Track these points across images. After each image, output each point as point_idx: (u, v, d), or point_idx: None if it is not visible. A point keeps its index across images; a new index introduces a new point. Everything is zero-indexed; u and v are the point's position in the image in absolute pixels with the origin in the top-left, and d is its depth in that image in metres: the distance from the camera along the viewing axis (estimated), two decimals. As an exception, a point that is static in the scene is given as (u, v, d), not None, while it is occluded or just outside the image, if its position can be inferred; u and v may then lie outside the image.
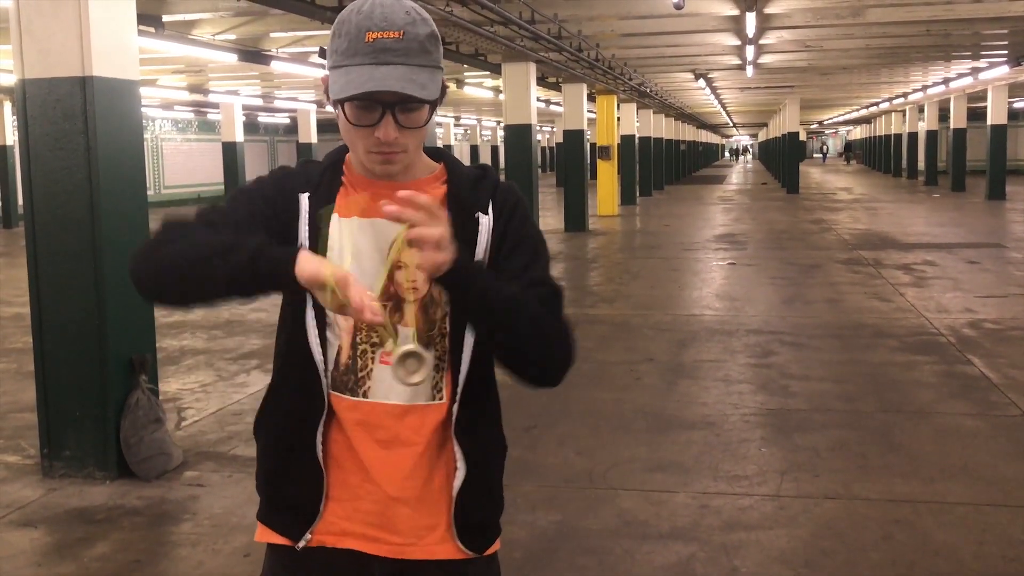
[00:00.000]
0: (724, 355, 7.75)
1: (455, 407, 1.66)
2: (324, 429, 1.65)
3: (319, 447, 1.65)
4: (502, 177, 1.76)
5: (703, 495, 4.73)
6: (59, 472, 5.09)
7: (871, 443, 5.48)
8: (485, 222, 1.66)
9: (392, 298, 1.61)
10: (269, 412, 1.73)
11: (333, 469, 1.67)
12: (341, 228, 1.64)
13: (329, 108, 1.58)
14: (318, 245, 1.63)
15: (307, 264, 1.45)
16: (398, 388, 1.60)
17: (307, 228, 1.64)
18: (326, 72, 1.61)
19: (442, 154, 1.73)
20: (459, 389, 1.65)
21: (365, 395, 1.64)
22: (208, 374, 7.41)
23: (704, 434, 5.69)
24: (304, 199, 1.65)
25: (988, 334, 8.31)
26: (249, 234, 1.55)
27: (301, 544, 1.69)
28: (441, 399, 1.66)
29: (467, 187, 1.68)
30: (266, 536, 1.75)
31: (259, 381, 7.11)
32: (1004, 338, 8.17)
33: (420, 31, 1.53)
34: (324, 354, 1.64)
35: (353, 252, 1.62)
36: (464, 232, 1.61)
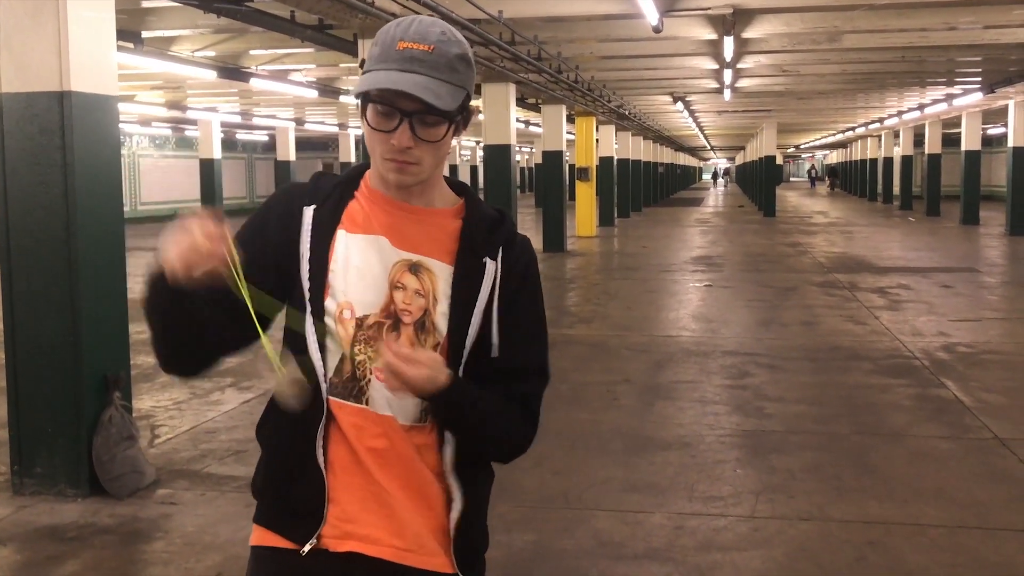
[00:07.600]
0: (700, 376, 7.78)
1: (450, 441, 1.70)
2: (325, 434, 1.68)
3: (319, 452, 1.67)
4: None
5: (678, 516, 4.73)
6: (30, 489, 5.03)
7: (845, 465, 5.51)
8: (491, 268, 1.70)
9: (392, 316, 1.66)
10: (270, 419, 1.75)
11: (337, 473, 1.68)
12: (347, 244, 1.68)
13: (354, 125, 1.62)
14: (320, 259, 1.67)
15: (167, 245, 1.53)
16: (394, 402, 1.66)
17: (309, 241, 1.68)
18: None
19: (466, 190, 1.78)
20: None
21: (367, 403, 1.67)
22: (182, 392, 7.35)
23: (680, 455, 5.70)
24: (308, 212, 1.69)
25: (962, 358, 8.39)
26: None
27: (307, 548, 1.68)
28: (426, 422, 1.69)
29: (483, 229, 1.72)
30: (266, 539, 1.73)
31: (233, 399, 7.06)
32: (977, 362, 8.24)
33: (451, 50, 1.60)
34: (324, 362, 1.66)
35: (358, 267, 1.66)
36: (467, 276, 1.68)
